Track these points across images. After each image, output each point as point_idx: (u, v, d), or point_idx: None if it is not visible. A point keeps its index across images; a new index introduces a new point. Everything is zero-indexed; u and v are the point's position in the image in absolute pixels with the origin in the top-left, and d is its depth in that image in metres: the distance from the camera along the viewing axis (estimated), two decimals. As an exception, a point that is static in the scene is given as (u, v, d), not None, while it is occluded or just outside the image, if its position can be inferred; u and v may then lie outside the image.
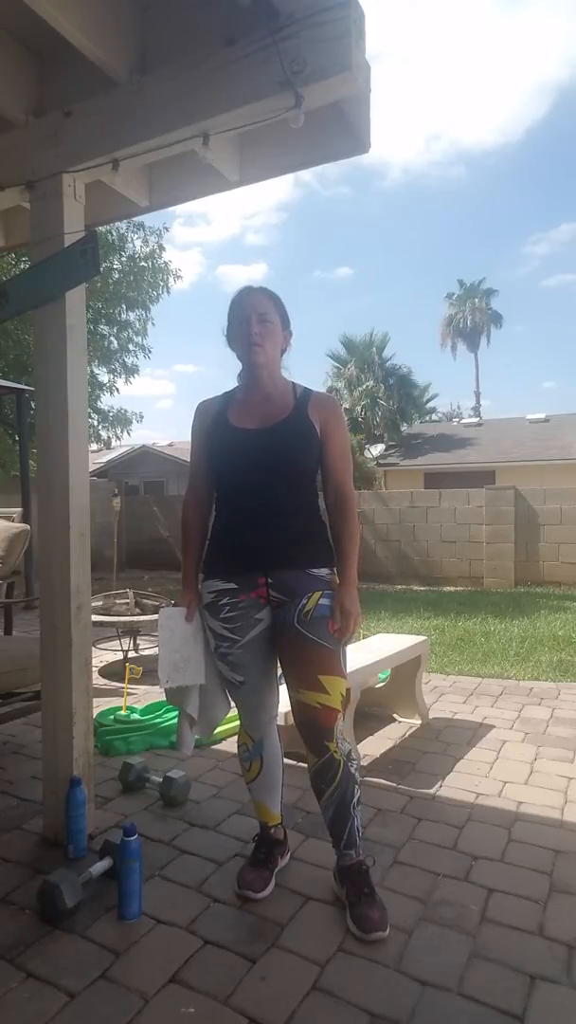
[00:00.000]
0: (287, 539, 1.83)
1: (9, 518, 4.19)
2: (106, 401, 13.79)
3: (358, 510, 1.93)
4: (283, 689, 1.99)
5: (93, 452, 21.48)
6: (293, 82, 1.79)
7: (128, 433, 14.23)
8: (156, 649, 2.18)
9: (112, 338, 13.34)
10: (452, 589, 9.77)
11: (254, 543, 1.83)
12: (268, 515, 1.82)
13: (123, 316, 13.26)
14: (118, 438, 14.81)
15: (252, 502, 1.84)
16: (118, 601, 5.12)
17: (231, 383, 1.99)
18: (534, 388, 75.61)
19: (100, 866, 1.95)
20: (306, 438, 1.85)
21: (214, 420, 1.92)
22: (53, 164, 2.20)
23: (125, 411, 13.92)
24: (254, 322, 1.85)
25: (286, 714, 2.21)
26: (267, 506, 1.83)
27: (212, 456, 1.91)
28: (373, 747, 3.15)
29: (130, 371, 13.64)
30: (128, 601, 5.03)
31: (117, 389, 13.50)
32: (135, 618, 4.79)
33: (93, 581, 2.34)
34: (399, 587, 10.04)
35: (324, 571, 1.86)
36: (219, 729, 3.26)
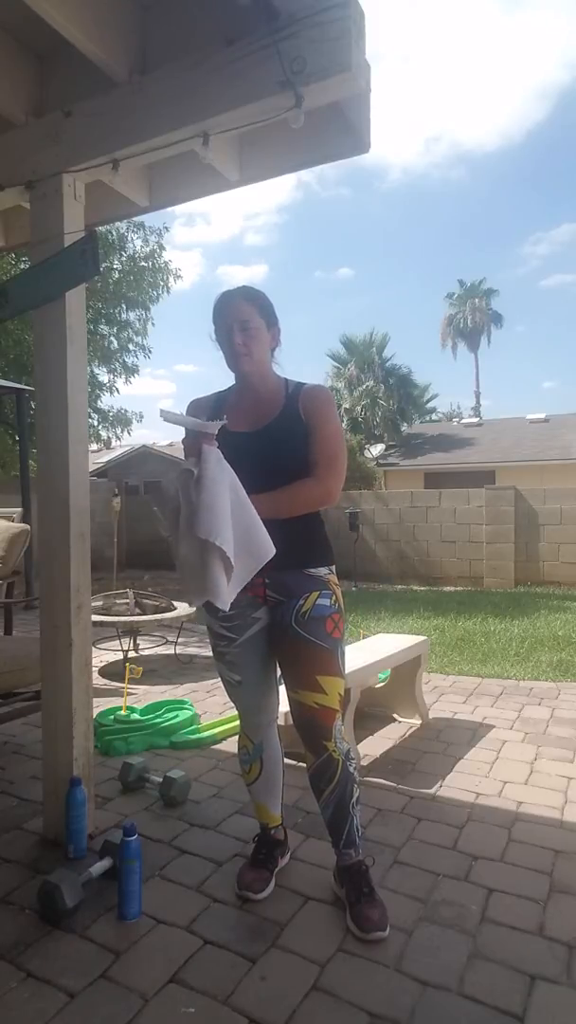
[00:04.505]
0: (284, 539, 1.81)
1: (9, 518, 4.19)
2: (106, 401, 13.81)
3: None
4: (283, 689, 1.99)
5: (93, 452, 21.48)
6: (293, 82, 1.79)
7: (128, 433, 14.26)
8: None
9: (112, 338, 13.34)
10: (452, 589, 9.77)
11: None
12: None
13: (123, 316, 13.26)
14: (118, 438, 14.82)
15: None
16: (118, 601, 5.12)
17: (231, 382, 1.99)
18: (534, 388, 75.79)
19: (100, 866, 1.95)
20: (295, 435, 1.83)
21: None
22: (53, 164, 2.20)
23: (125, 411, 13.93)
24: (236, 331, 1.83)
25: (286, 714, 2.20)
26: None
27: None
28: (373, 747, 3.14)
29: (130, 371, 13.64)
30: (128, 601, 5.03)
31: (117, 389, 13.52)
32: (135, 618, 4.79)
33: (93, 581, 2.33)
34: (399, 587, 10.04)
35: (322, 570, 1.86)
36: (219, 729, 3.28)
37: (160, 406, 1.59)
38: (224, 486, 1.63)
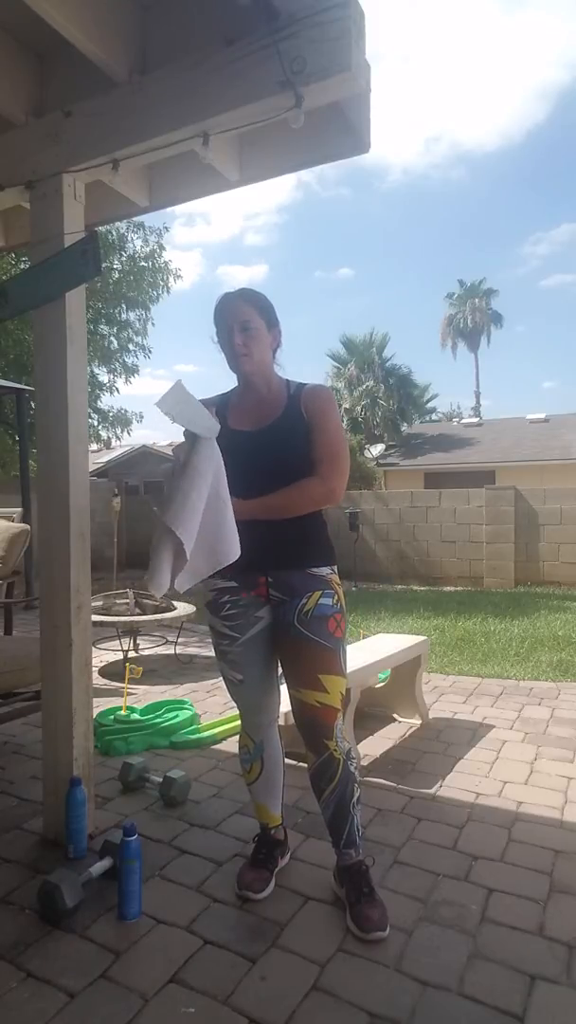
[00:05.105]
0: (286, 539, 1.83)
1: (9, 518, 4.19)
2: (106, 401, 13.81)
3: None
4: (284, 689, 1.99)
5: (93, 452, 21.47)
6: (293, 82, 1.79)
7: (128, 433, 14.25)
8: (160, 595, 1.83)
9: (112, 338, 13.34)
10: (452, 589, 9.77)
11: (253, 544, 1.83)
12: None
13: (123, 316, 13.27)
14: (118, 438, 14.82)
15: None
16: (118, 601, 5.12)
17: (232, 382, 1.99)
18: (534, 388, 75.95)
19: (100, 866, 1.95)
20: (297, 434, 1.84)
21: None
22: (53, 164, 2.19)
23: (125, 411, 13.93)
24: (236, 332, 1.84)
25: (286, 714, 2.21)
26: None
27: None
28: (373, 747, 3.14)
29: (130, 371, 13.64)
30: (128, 601, 5.03)
31: (117, 389, 13.52)
32: (135, 618, 4.79)
33: (93, 581, 2.34)
34: (399, 587, 10.04)
35: (324, 570, 1.86)
36: (219, 729, 3.28)
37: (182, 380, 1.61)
38: (205, 479, 1.65)
